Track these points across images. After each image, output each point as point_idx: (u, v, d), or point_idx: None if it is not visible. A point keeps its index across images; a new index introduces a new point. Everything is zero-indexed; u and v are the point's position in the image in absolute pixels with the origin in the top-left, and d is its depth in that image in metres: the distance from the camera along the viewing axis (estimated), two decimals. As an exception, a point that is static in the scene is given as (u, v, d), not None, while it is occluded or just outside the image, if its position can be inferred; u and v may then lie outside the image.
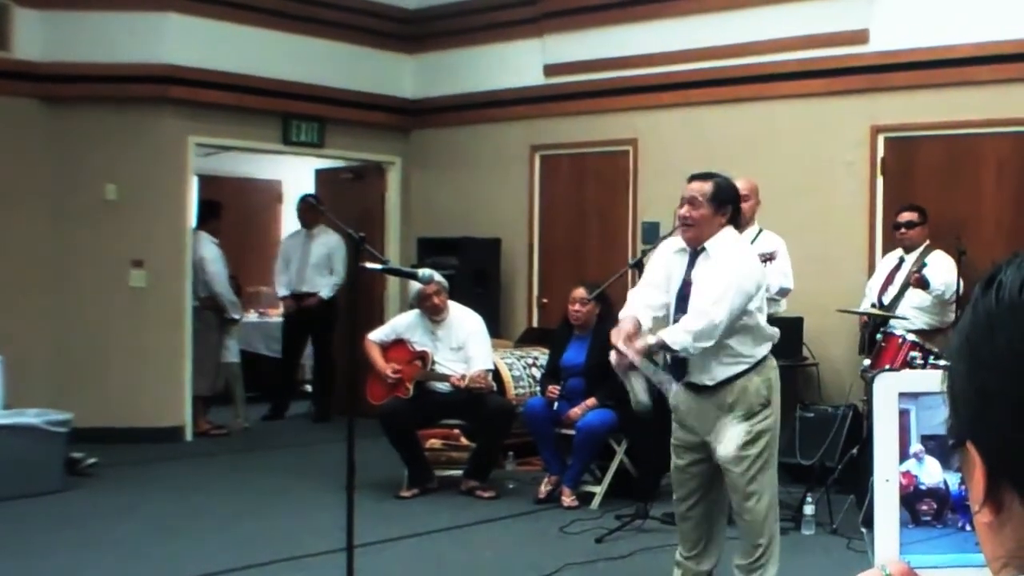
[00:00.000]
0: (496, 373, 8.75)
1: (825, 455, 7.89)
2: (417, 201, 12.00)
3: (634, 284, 6.72)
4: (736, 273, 4.99)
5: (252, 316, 12.77)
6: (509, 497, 8.31)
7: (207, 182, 12.64)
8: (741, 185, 5.90)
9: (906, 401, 1.42)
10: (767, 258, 6.78)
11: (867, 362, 7.48)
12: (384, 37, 11.71)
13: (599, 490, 8.08)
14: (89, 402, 9.51)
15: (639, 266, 6.66)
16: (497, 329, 10.36)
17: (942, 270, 7.86)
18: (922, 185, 8.76)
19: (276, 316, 12.87)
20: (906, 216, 8.24)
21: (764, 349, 5.16)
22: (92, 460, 8.80)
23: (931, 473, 1.42)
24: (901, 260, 8.24)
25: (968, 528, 1.41)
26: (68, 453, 8.46)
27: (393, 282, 11.50)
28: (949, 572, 1.41)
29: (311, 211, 11.29)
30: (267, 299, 13.29)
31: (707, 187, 5.11)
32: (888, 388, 1.43)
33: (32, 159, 9.96)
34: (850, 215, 9.08)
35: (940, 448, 1.42)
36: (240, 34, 10.54)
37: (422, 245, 11.29)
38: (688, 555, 5.33)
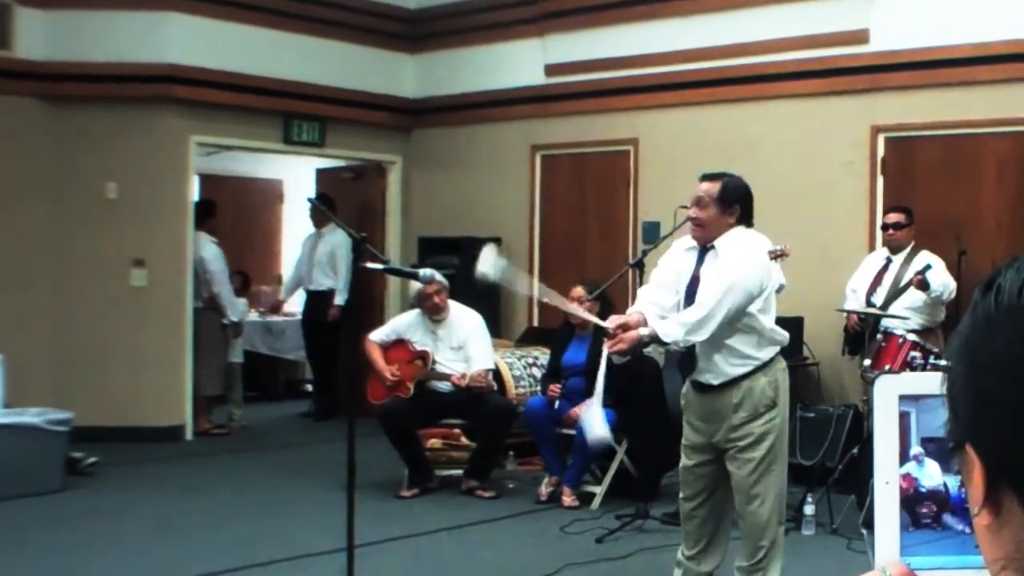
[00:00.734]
0: (497, 373, 8.75)
1: (825, 455, 7.90)
2: (418, 200, 12.00)
3: (635, 284, 6.73)
4: (738, 271, 4.99)
5: (253, 315, 12.77)
6: (509, 497, 8.31)
7: (208, 181, 12.66)
8: None
9: (906, 404, 1.43)
10: (777, 255, 6.76)
11: (867, 362, 7.48)
12: (385, 37, 11.71)
13: (599, 490, 8.08)
14: (90, 401, 9.52)
15: (640, 266, 6.68)
16: (498, 329, 10.36)
17: (942, 272, 7.88)
18: (922, 185, 8.77)
19: (277, 316, 12.88)
20: (894, 217, 8.26)
21: (771, 351, 5.14)
22: (93, 459, 8.81)
23: (931, 476, 1.43)
24: (888, 260, 8.25)
25: (968, 531, 1.41)
26: (69, 452, 8.46)
27: (394, 282, 11.50)
28: (949, 574, 1.42)
29: (316, 212, 11.30)
30: (268, 299, 13.30)
31: (714, 187, 5.12)
32: (888, 390, 1.43)
33: (34, 158, 9.97)
34: (850, 215, 9.09)
35: (940, 451, 1.42)
36: (241, 34, 10.54)
37: (423, 244, 11.29)
38: (690, 554, 5.32)
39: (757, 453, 5.07)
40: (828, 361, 8.92)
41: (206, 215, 10.85)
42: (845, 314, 8.34)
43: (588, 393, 8.06)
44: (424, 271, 6.21)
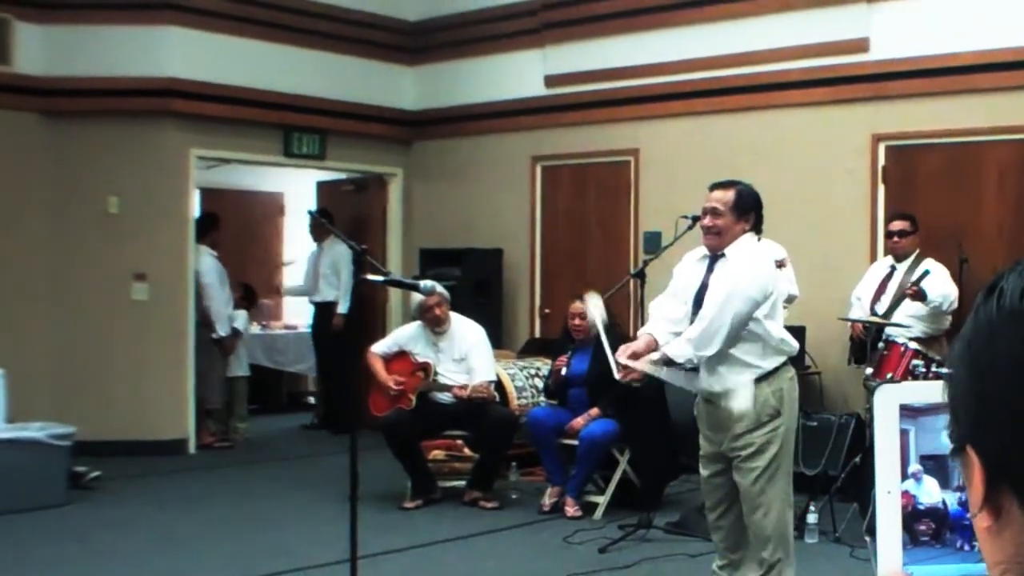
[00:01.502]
0: (499, 383, 8.75)
1: (828, 464, 7.89)
2: (419, 212, 12.01)
3: (636, 295, 6.73)
4: (742, 278, 4.99)
5: (255, 328, 12.78)
6: (512, 507, 8.30)
7: (209, 195, 12.66)
8: None
9: (905, 421, 1.42)
10: (778, 264, 6.77)
11: (869, 370, 7.47)
12: (385, 49, 11.73)
13: (602, 500, 8.07)
14: (92, 415, 9.51)
15: (641, 276, 6.67)
16: (499, 339, 10.36)
17: (940, 281, 7.86)
18: (923, 193, 8.77)
19: (279, 328, 12.89)
20: (898, 225, 8.25)
21: (775, 361, 5.12)
22: (95, 473, 8.80)
23: (930, 493, 1.43)
24: (892, 268, 8.24)
25: (967, 548, 1.42)
26: (71, 467, 8.45)
27: (395, 293, 11.51)
28: (952, 583, 1.42)
29: (316, 225, 11.32)
30: (269, 311, 13.30)
31: (729, 195, 5.12)
32: (889, 400, 1.43)
33: (34, 173, 9.97)
34: (851, 223, 9.09)
35: (939, 468, 1.42)
36: (241, 47, 10.55)
37: (424, 256, 11.29)
38: (722, 563, 5.31)
39: (760, 462, 5.06)
40: (830, 370, 8.91)
41: (209, 228, 10.85)
42: (850, 323, 8.33)
43: (590, 404, 8.09)
44: (425, 283, 6.21)
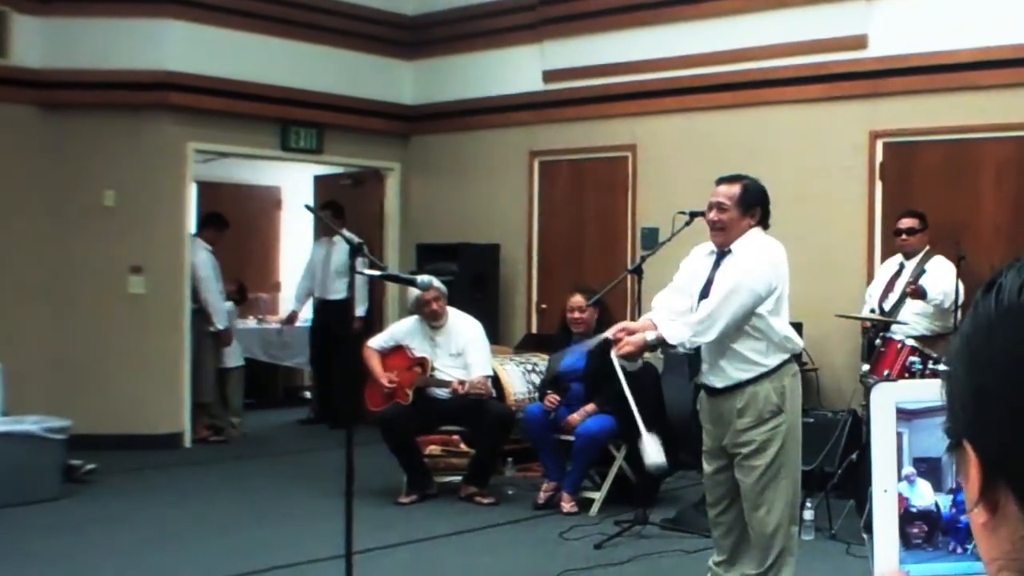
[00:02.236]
0: (495, 379, 8.74)
1: (825, 460, 7.88)
2: (416, 207, 12.00)
3: (633, 290, 6.72)
4: (746, 272, 4.97)
5: (251, 323, 12.77)
6: (508, 503, 8.30)
7: (206, 188, 12.65)
8: None
9: (899, 423, 1.41)
10: None
11: (866, 367, 7.47)
12: (383, 43, 11.72)
13: (598, 496, 8.07)
14: (88, 409, 9.50)
15: (638, 271, 6.66)
16: (496, 335, 10.36)
17: (940, 278, 7.84)
18: (921, 190, 8.77)
19: (275, 322, 12.87)
20: (907, 222, 8.22)
21: (779, 358, 5.09)
22: (91, 467, 8.80)
23: (923, 495, 1.42)
24: (901, 266, 8.23)
25: (959, 551, 1.41)
26: (66, 460, 8.44)
27: (392, 288, 11.50)
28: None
29: (319, 221, 11.34)
30: (266, 305, 13.29)
31: (734, 190, 5.10)
32: (886, 398, 1.42)
33: (31, 165, 9.96)
34: (849, 220, 9.08)
35: (932, 471, 1.41)
36: (239, 41, 10.54)
37: (421, 251, 11.28)
38: (719, 560, 5.30)
39: (761, 461, 5.03)
40: (827, 366, 8.91)
41: (211, 226, 10.82)
42: (860, 320, 8.32)
43: (587, 399, 8.08)
44: (422, 278, 6.20)
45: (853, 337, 8.56)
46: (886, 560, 1.40)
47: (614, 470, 8.10)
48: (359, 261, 5.91)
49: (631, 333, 4.96)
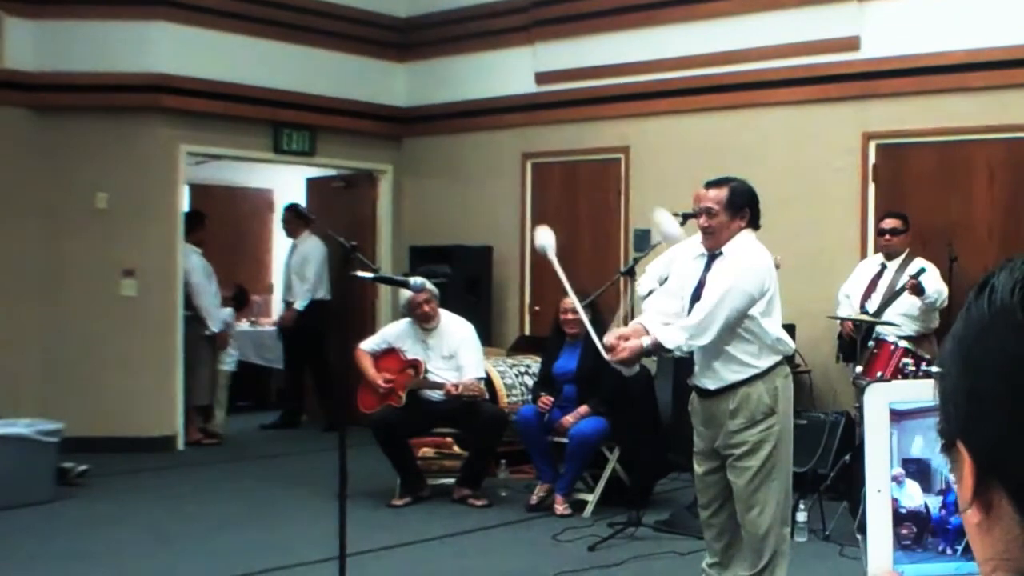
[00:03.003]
0: (488, 381, 8.74)
1: (818, 462, 7.90)
2: (409, 209, 12.00)
3: (626, 292, 6.72)
4: (738, 274, 4.98)
5: (244, 325, 12.76)
6: (501, 505, 8.30)
7: (198, 191, 12.64)
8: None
9: (889, 425, 1.42)
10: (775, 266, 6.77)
11: (859, 369, 7.47)
12: (375, 45, 11.71)
13: (592, 498, 8.07)
14: (80, 412, 9.49)
15: (631, 273, 6.67)
16: (489, 337, 10.35)
17: (936, 277, 7.87)
18: (913, 192, 8.78)
19: (268, 325, 12.87)
20: (890, 223, 8.24)
21: (771, 360, 5.10)
22: (83, 469, 8.78)
23: (912, 496, 1.42)
24: (883, 267, 8.24)
25: (949, 552, 1.41)
26: (59, 463, 8.43)
27: (385, 291, 11.49)
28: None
29: (288, 222, 11.49)
30: (259, 308, 13.27)
31: (722, 194, 5.10)
32: (879, 398, 1.42)
33: (23, 168, 9.94)
34: (841, 222, 9.09)
35: (921, 471, 1.41)
36: (231, 43, 10.53)
37: (414, 253, 11.27)
38: (711, 563, 5.30)
39: (754, 462, 5.03)
40: (820, 368, 8.91)
41: (195, 226, 10.84)
42: (839, 321, 8.33)
43: (580, 401, 8.08)
44: (414, 280, 6.21)
45: (835, 338, 8.56)
46: (880, 561, 1.40)
47: (607, 472, 8.10)
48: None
49: (626, 340, 4.97)
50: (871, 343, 7.50)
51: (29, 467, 8.05)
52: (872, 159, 9.01)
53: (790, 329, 8.46)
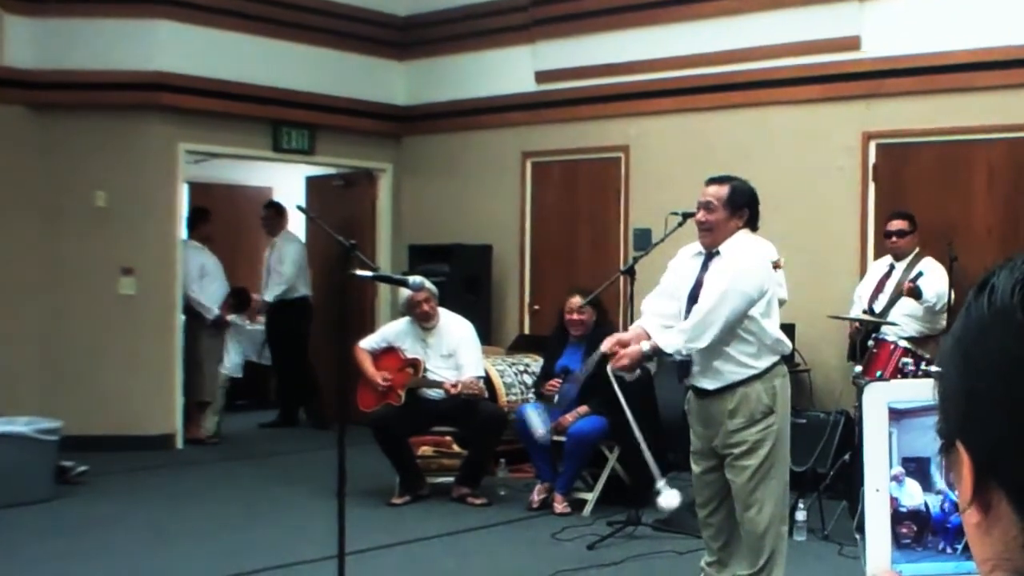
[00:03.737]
0: (488, 380, 8.73)
1: (817, 461, 7.89)
2: (408, 208, 11.99)
3: (626, 291, 6.72)
4: (737, 274, 4.97)
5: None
6: (501, 504, 8.30)
7: (197, 189, 12.63)
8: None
9: (889, 423, 1.41)
10: (775, 265, 6.75)
11: (859, 368, 7.46)
12: (375, 44, 11.70)
13: (591, 497, 8.07)
14: (79, 410, 9.48)
15: (631, 272, 6.67)
16: (488, 336, 10.34)
17: (935, 280, 7.84)
18: (914, 191, 8.77)
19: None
20: (897, 224, 8.22)
21: (769, 360, 5.10)
22: (82, 468, 8.78)
23: (912, 495, 1.42)
24: (891, 267, 8.23)
25: (949, 551, 1.41)
26: (58, 461, 8.43)
27: (384, 289, 11.48)
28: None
29: (267, 220, 11.62)
30: (256, 306, 13.23)
31: (723, 191, 5.10)
32: (878, 398, 1.42)
33: (22, 166, 9.93)
34: (842, 221, 9.08)
35: (920, 470, 1.41)
36: (230, 41, 10.52)
37: (413, 252, 11.27)
38: (710, 560, 5.30)
39: (753, 461, 5.04)
40: (820, 368, 8.91)
41: (198, 222, 10.87)
42: (848, 321, 8.32)
43: (580, 401, 8.07)
44: (413, 278, 6.20)
45: (846, 338, 8.56)
46: (878, 560, 1.40)
47: (607, 471, 8.10)
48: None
49: (625, 345, 4.97)
50: (871, 343, 7.50)
51: (28, 466, 8.04)
52: (872, 159, 9.00)
53: (790, 328, 8.48)
